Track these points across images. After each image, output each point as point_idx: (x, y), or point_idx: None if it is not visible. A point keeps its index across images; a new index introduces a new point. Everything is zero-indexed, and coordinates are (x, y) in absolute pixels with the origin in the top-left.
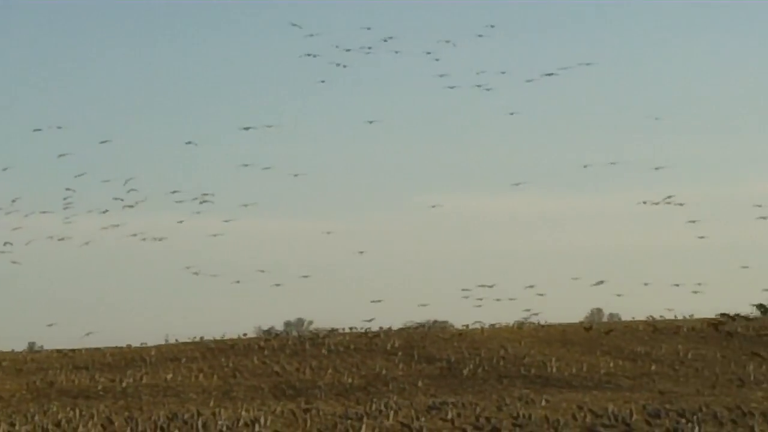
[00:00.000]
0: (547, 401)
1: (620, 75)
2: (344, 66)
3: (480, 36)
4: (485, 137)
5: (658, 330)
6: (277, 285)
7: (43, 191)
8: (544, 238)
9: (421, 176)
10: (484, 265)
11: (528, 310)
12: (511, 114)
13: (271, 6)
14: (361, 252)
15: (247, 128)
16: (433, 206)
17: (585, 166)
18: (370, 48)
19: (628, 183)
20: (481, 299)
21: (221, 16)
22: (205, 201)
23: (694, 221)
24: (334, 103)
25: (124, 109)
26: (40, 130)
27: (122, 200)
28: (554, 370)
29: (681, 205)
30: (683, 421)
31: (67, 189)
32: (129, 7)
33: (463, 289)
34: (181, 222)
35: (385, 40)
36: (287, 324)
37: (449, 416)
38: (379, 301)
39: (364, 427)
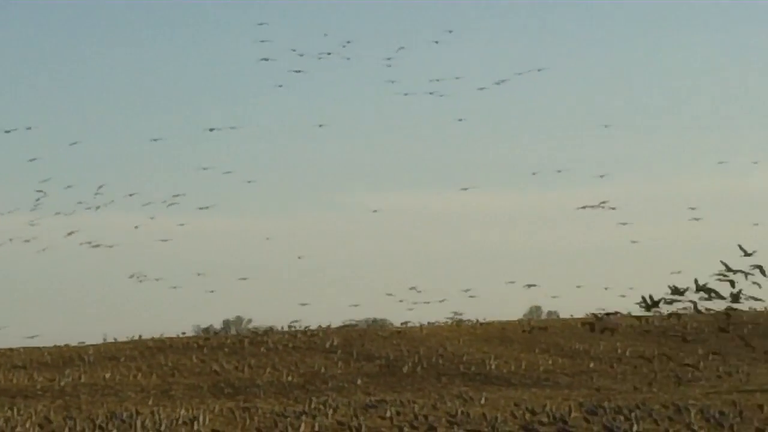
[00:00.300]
0: (486, 399)
1: (573, 81)
2: (301, 72)
3: (436, 42)
4: (436, 142)
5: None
6: (211, 291)
7: (12, 193)
8: (486, 241)
9: (366, 179)
10: (425, 266)
11: (455, 312)
12: (460, 120)
13: (235, 7)
14: (300, 257)
15: (212, 129)
16: (375, 210)
17: (534, 174)
18: (329, 53)
19: (573, 189)
20: (415, 303)
21: (190, 17)
22: (173, 203)
23: (624, 223)
24: (290, 107)
25: (91, 111)
26: (10, 131)
27: (86, 203)
28: (493, 367)
29: (613, 209)
30: (621, 418)
31: (38, 191)
32: (97, 9)
33: (388, 294)
34: (137, 227)
35: (344, 45)
36: (226, 323)
37: (388, 414)
38: (306, 304)
39: (303, 425)
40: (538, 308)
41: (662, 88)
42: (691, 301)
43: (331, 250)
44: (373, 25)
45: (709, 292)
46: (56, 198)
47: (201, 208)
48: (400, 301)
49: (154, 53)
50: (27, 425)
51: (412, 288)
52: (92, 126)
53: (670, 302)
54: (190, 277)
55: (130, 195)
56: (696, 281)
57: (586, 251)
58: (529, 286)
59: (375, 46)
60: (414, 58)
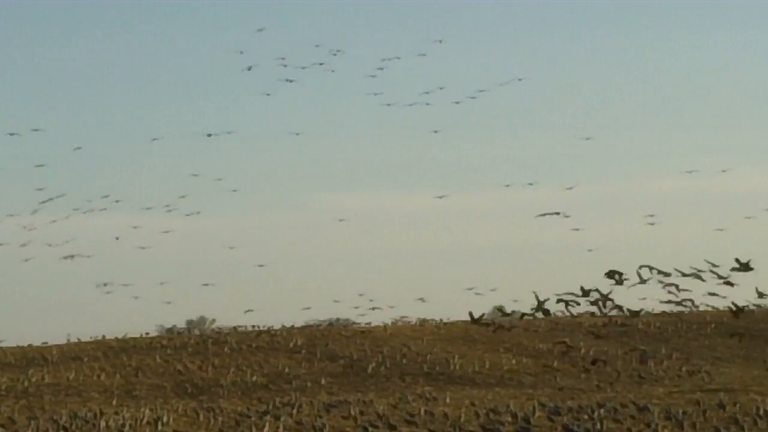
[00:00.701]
0: (449, 399)
1: (555, 91)
2: (291, 81)
3: (424, 55)
4: (412, 152)
5: (560, 327)
6: (168, 303)
7: (14, 196)
8: (446, 247)
9: (336, 186)
10: (386, 271)
11: (402, 316)
12: (436, 132)
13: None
14: (261, 265)
15: (209, 135)
16: (341, 220)
17: (507, 186)
18: (321, 64)
19: (541, 201)
20: (372, 309)
21: (189, 24)
22: (172, 209)
23: (577, 229)
24: (274, 115)
25: (92, 114)
26: (16, 134)
27: (82, 209)
28: (457, 367)
29: (567, 217)
30: (585, 417)
31: (36, 195)
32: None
33: (335, 301)
34: (117, 239)
35: (334, 54)
36: (189, 322)
37: (352, 413)
38: (251, 310)
39: (267, 425)
40: (501, 307)
41: (642, 98)
42: (593, 302)
43: (293, 256)
44: (364, 34)
45: (589, 295)
46: (51, 203)
47: (188, 215)
48: (356, 307)
49: (146, 57)
50: None
51: (361, 294)
52: (94, 129)
53: (574, 304)
54: (156, 284)
55: (116, 201)
56: (582, 287)
57: (545, 260)
58: (469, 289)
59: (364, 56)
60: (401, 68)
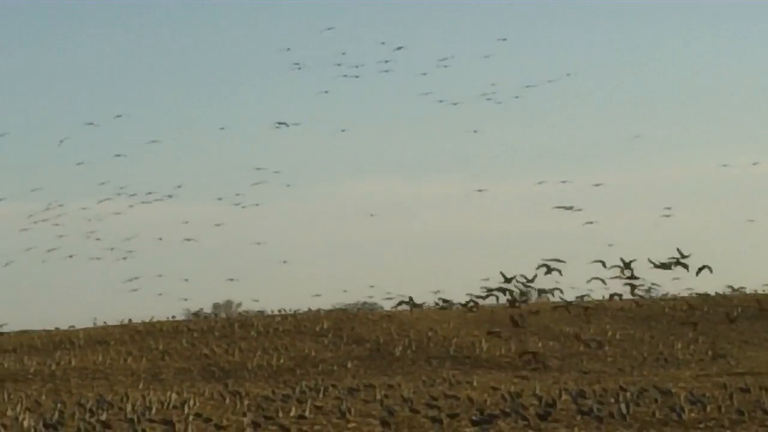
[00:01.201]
0: (474, 382)
1: (601, 88)
2: (356, 77)
3: (487, 57)
4: (448, 153)
5: (586, 310)
6: (185, 299)
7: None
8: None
9: (365, 179)
10: (402, 263)
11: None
12: (475, 132)
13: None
14: (285, 261)
15: (279, 125)
16: (372, 215)
17: (539, 183)
18: (386, 61)
19: (566, 196)
20: (390, 298)
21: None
22: (239, 202)
23: (590, 222)
24: (328, 111)
25: (168, 106)
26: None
27: (141, 199)
28: (483, 350)
29: (580, 210)
30: (612, 401)
31: (115, 187)
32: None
33: (344, 291)
34: (160, 239)
35: (397, 49)
36: (216, 306)
37: (378, 397)
38: (257, 300)
39: (293, 409)
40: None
41: (676, 93)
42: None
43: (320, 248)
44: (429, 30)
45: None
46: (118, 194)
47: (244, 207)
48: (370, 297)
49: (217, 49)
50: (17, 409)
51: (372, 286)
52: (168, 120)
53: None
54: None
55: (170, 196)
56: (503, 274)
57: (558, 252)
58: (484, 280)
59: (426, 53)
60: (460, 65)
